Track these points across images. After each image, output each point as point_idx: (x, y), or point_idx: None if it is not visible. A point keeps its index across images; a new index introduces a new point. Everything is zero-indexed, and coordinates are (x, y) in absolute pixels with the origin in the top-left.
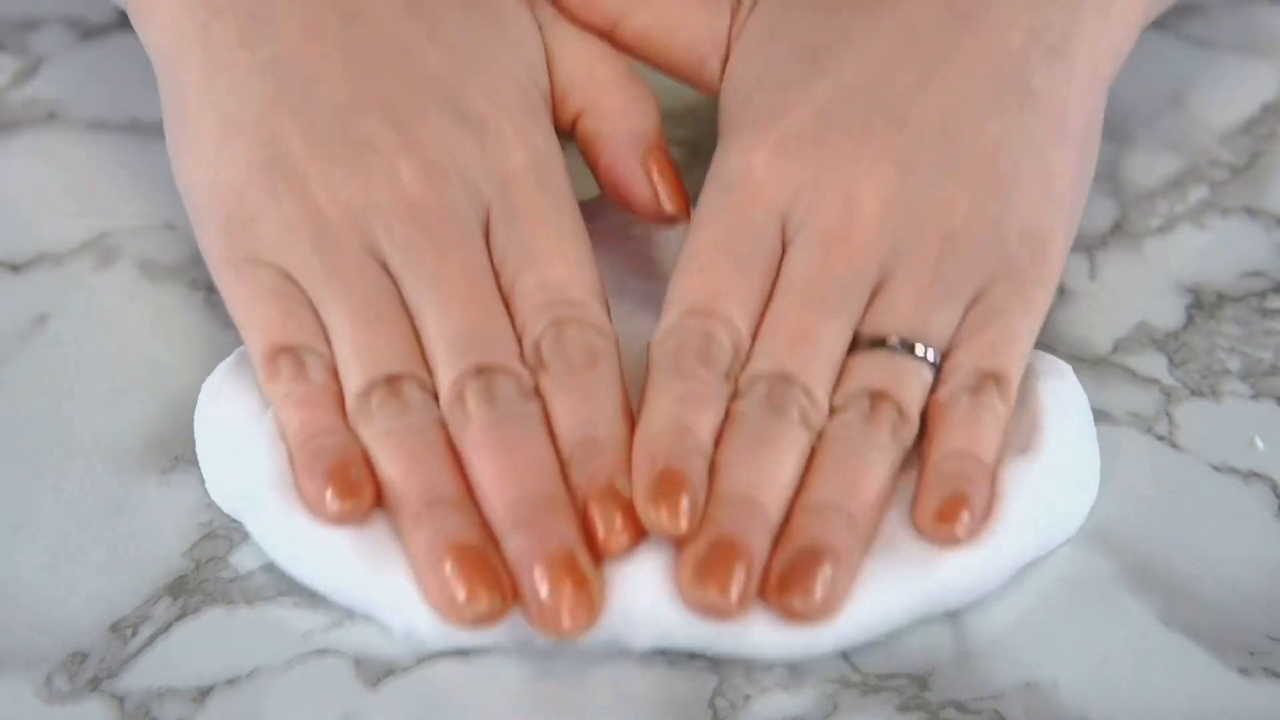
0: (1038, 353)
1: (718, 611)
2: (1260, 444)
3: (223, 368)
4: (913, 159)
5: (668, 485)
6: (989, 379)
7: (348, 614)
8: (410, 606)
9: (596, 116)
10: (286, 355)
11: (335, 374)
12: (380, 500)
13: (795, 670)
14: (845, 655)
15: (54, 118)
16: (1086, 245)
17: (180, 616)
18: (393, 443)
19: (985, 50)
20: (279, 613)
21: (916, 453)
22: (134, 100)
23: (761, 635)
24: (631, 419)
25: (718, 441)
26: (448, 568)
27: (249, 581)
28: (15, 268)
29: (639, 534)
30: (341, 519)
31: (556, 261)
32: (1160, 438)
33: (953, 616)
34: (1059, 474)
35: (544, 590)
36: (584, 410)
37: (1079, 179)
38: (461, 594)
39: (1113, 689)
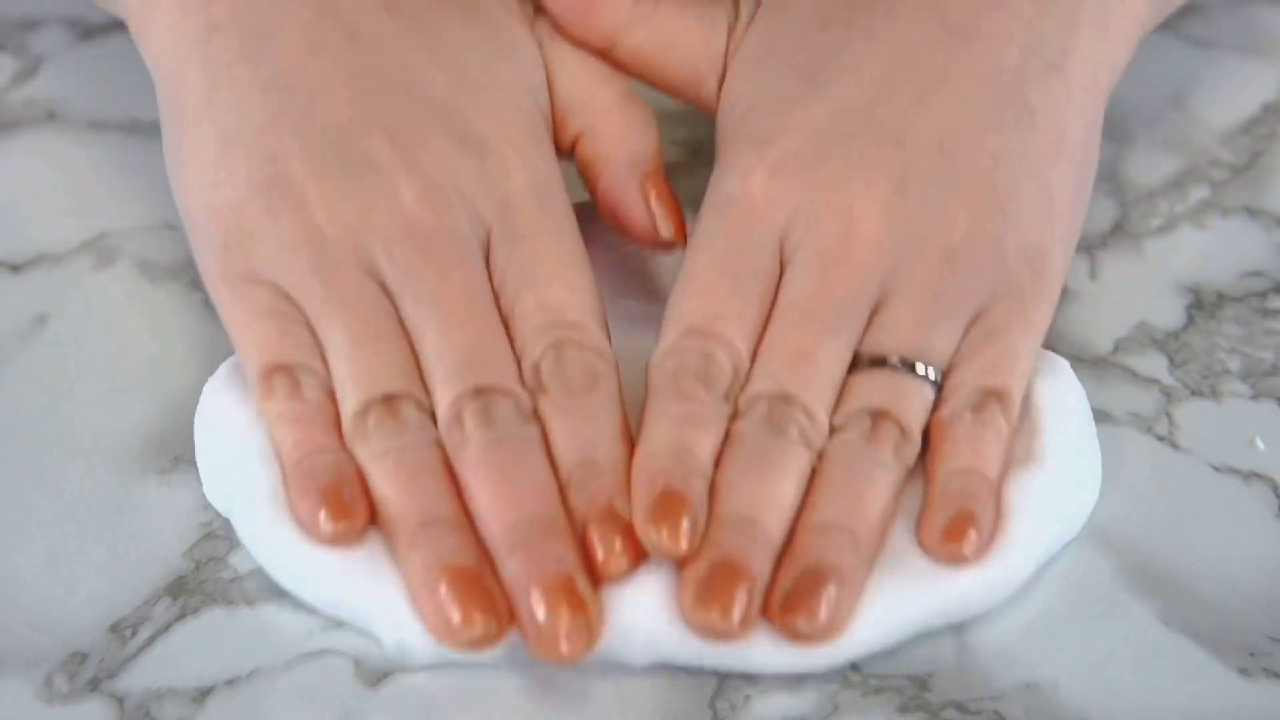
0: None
1: (720, 634)
2: (1261, 444)
3: (225, 368)
4: (911, 178)
5: (668, 506)
6: (991, 396)
7: None
8: (402, 624)
9: (595, 140)
10: (282, 373)
11: (331, 394)
12: (374, 520)
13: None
14: None
15: (53, 118)
16: (1087, 245)
17: (180, 617)
18: (389, 462)
19: (982, 67)
20: (279, 613)
21: (920, 469)
22: (133, 100)
23: (764, 655)
24: (631, 442)
25: (718, 463)
26: (443, 590)
27: (249, 582)
28: (15, 268)
29: (639, 557)
30: (334, 540)
31: (556, 283)
32: (1160, 438)
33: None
34: (1062, 481)
35: (542, 614)
36: (583, 433)
37: (1077, 195)
38: (457, 617)
39: (1113, 689)
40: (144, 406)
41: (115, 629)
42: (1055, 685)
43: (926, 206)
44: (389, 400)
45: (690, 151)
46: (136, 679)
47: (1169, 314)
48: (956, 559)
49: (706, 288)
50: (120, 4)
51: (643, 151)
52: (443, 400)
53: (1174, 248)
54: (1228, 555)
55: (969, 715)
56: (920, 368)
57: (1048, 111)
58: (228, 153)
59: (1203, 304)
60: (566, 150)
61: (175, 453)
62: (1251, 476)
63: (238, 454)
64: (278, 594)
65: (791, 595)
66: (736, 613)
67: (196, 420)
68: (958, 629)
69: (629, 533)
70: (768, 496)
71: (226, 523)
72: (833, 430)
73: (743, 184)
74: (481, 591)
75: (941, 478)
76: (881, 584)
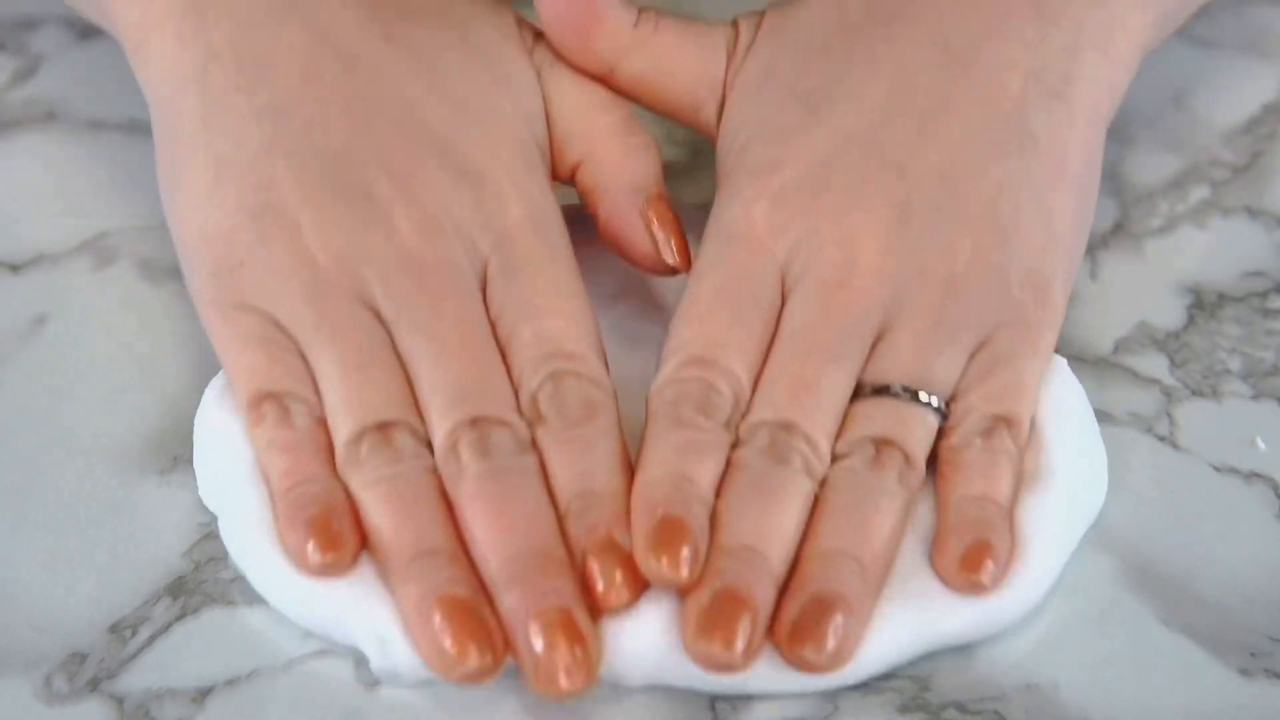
0: None
1: (722, 665)
2: (1261, 444)
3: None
4: (913, 206)
5: (668, 534)
6: (1000, 422)
7: None
8: (392, 649)
9: (595, 167)
10: (271, 401)
11: (321, 422)
12: (364, 547)
13: None
14: None
15: (53, 117)
16: (1087, 245)
17: (180, 617)
18: (383, 491)
19: (984, 94)
20: (279, 613)
21: (923, 493)
22: (133, 100)
23: (764, 680)
24: (630, 472)
25: (719, 492)
26: (438, 622)
27: (249, 582)
28: (14, 268)
29: (640, 588)
30: (322, 571)
31: (554, 315)
32: (1161, 438)
33: None
34: (1072, 497)
35: (540, 648)
36: (582, 463)
37: (1079, 220)
38: (452, 650)
39: (1113, 690)
40: (143, 407)
41: (115, 629)
42: (1055, 685)
43: (928, 234)
44: (383, 428)
45: (690, 151)
46: (136, 679)
47: (1169, 314)
48: (975, 589)
49: (708, 316)
50: (116, 26)
51: (643, 178)
52: (439, 430)
53: (1174, 248)
54: (1228, 555)
55: (969, 715)
56: (924, 395)
57: (1050, 138)
58: (221, 179)
59: (1203, 304)
60: (567, 177)
61: (175, 453)
62: (1252, 476)
63: (232, 467)
64: None
65: (799, 624)
66: (739, 644)
67: (196, 424)
68: None
69: (629, 563)
70: (770, 525)
71: None
72: (835, 458)
73: (745, 214)
74: (477, 624)
75: (955, 505)
76: (890, 612)
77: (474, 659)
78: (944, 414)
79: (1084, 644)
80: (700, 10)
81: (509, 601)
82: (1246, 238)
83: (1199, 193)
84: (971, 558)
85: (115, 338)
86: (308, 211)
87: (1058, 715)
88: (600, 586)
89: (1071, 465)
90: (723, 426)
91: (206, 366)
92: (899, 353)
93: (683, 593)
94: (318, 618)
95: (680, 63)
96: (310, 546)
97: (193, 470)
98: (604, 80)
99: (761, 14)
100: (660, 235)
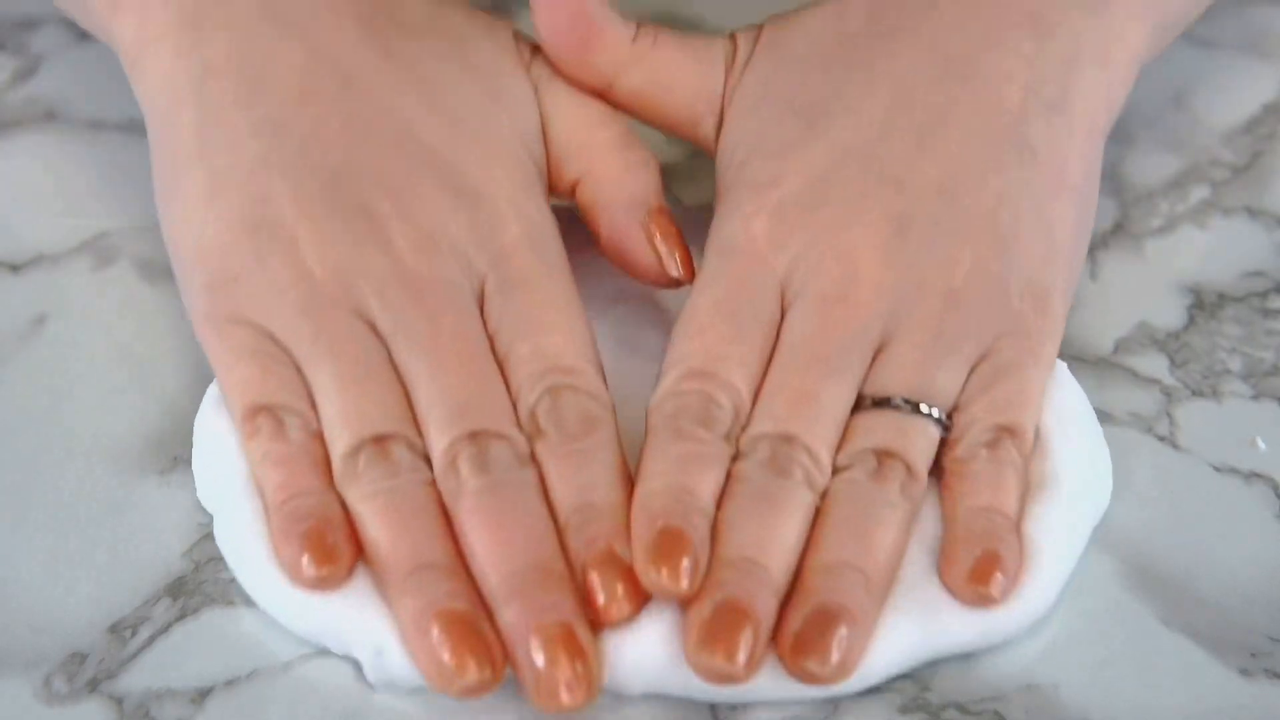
0: None
1: (724, 677)
2: (1261, 444)
3: None
4: (912, 220)
5: (668, 545)
6: (1005, 433)
7: None
8: (388, 661)
9: (594, 183)
10: (265, 414)
11: (317, 435)
12: (359, 560)
13: None
14: None
15: (52, 117)
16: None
17: (180, 617)
18: (380, 504)
19: (983, 107)
20: None
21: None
22: (132, 100)
23: (765, 690)
24: (630, 486)
25: (719, 504)
26: (436, 636)
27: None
28: (14, 268)
29: (641, 601)
30: (317, 585)
31: (552, 330)
32: (1161, 438)
33: None
34: (1077, 504)
35: (541, 663)
36: (581, 477)
37: (1079, 231)
38: (451, 664)
39: (1113, 690)
40: (143, 407)
41: (115, 629)
42: (1055, 685)
43: (928, 247)
44: (380, 441)
45: (691, 152)
46: (136, 679)
47: (1170, 314)
48: (984, 601)
49: (708, 330)
50: (114, 38)
51: (643, 192)
52: (438, 445)
53: (1175, 248)
54: (1228, 555)
55: (969, 715)
56: (925, 407)
57: (1049, 150)
58: (217, 193)
59: (1203, 304)
60: (565, 193)
61: (174, 453)
62: (1252, 476)
63: (228, 476)
64: None
65: (802, 636)
66: (741, 655)
67: (196, 427)
68: None
69: (630, 576)
70: (771, 537)
71: None
72: (837, 470)
73: (744, 228)
74: (476, 637)
75: (962, 517)
76: (896, 621)
77: (473, 673)
78: (945, 425)
79: (1084, 644)
80: (699, 20)
81: (509, 616)
82: (1246, 238)
83: (1199, 193)
84: (980, 570)
85: (115, 338)
86: (304, 226)
87: (1058, 716)
88: (601, 599)
89: (1076, 472)
90: (723, 439)
91: (206, 367)
92: (899, 365)
93: (683, 604)
94: (313, 628)
95: (678, 77)
96: (305, 560)
97: (192, 471)
98: (602, 95)
99: (759, 27)
100: (663, 249)
